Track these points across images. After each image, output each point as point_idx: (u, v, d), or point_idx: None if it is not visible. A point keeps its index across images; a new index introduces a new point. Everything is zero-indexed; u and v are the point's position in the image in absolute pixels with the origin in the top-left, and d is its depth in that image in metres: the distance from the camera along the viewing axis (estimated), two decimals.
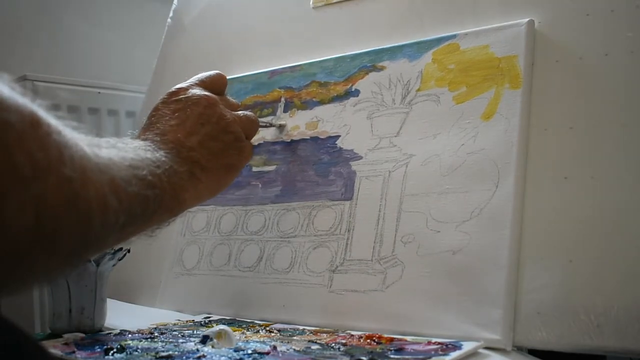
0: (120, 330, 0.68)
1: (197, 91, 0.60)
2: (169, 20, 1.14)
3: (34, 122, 0.33)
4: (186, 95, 0.59)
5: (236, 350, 0.56)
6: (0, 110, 0.30)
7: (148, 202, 0.45)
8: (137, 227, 0.47)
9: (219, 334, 0.59)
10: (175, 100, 0.58)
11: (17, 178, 0.29)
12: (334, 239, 0.73)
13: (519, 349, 0.58)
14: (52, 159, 0.32)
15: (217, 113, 0.60)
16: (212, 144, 0.58)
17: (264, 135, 0.86)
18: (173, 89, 0.61)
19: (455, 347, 0.55)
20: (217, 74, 0.66)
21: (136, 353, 0.56)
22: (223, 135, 0.59)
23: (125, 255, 0.71)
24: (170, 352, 0.56)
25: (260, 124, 0.72)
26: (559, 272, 0.59)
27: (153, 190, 0.46)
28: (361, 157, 0.75)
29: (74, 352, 0.58)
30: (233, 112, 0.63)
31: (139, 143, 0.51)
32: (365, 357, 0.52)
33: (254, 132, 0.67)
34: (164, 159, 0.50)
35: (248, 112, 0.67)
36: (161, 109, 0.58)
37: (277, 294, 0.74)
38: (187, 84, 0.62)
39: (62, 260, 0.35)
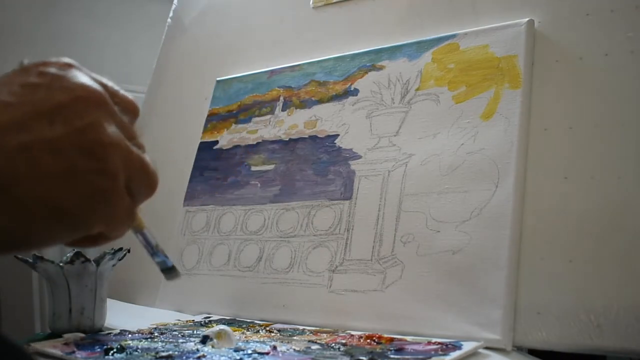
0: (120, 330, 0.68)
1: (84, 78, 0.35)
2: (169, 20, 1.14)
3: None
4: (60, 73, 0.34)
5: (236, 350, 0.56)
6: None
7: None
8: None
9: (219, 334, 0.59)
10: (41, 73, 0.34)
11: None
12: (333, 238, 0.73)
13: (519, 349, 0.58)
14: None
15: (92, 117, 0.33)
16: (48, 159, 0.31)
17: (262, 134, 0.86)
18: (52, 58, 0.36)
19: (455, 347, 0.55)
20: (131, 98, 0.39)
21: (136, 353, 0.56)
22: (81, 154, 0.32)
23: (125, 255, 0.71)
24: (170, 352, 0.56)
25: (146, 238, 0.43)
26: (559, 272, 0.59)
27: None
28: (360, 157, 0.75)
29: (74, 352, 0.58)
30: (124, 139, 0.35)
31: None
32: (365, 357, 0.52)
33: (144, 191, 0.37)
34: None
35: (151, 164, 0.37)
36: (10, 76, 0.34)
37: (277, 294, 0.74)
38: (78, 65, 0.36)
39: None
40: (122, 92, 0.38)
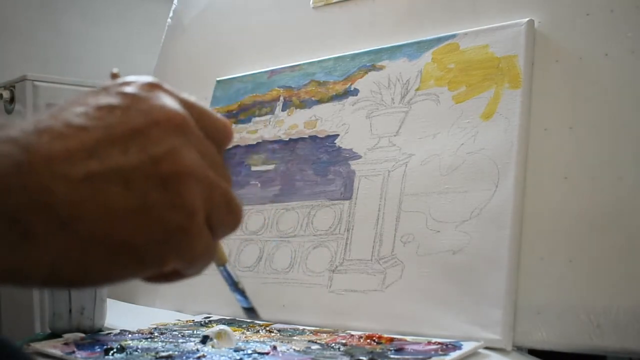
0: (120, 330, 0.68)
1: (166, 99, 0.30)
2: (169, 20, 1.14)
3: None
4: (141, 94, 0.30)
5: (236, 350, 0.56)
6: None
7: None
8: None
9: (219, 334, 0.59)
10: (120, 93, 0.30)
11: None
12: (333, 238, 0.73)
13: (519, 349, 0.58)
14: None
15: (170, 144, 0.29)
16: (117, 191, 0.27)
17: (262, 134, 0.86)
18: (131, 77, 0.32)
19: (455, 347, 0.55)
20: (223, 120, 0.34)
21: (136, 353, 0.56)
22: (155, 187, 0.28)
23: None
24: (170, 352, 0.56)
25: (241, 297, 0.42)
26: (559, 272, 0.59)
27: None
28: (360, 157, 0.75)
29: (74, 352, 0.58)
30: (207, 169, 0.31)
31: None
32: (365, 357, 0.52)
33: (228, 227, 0.33)
34: None
35: (237, 197, 0.33)
36: (87, 95, 0.30)
37: (277, 294, 0.74)
38: (162, 84, 0.32)
39: None
40: (213, 114, 0.33)
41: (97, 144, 0.27)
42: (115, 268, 0.28)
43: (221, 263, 0.38)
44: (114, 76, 0.32)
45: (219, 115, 0.33)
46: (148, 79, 0.31)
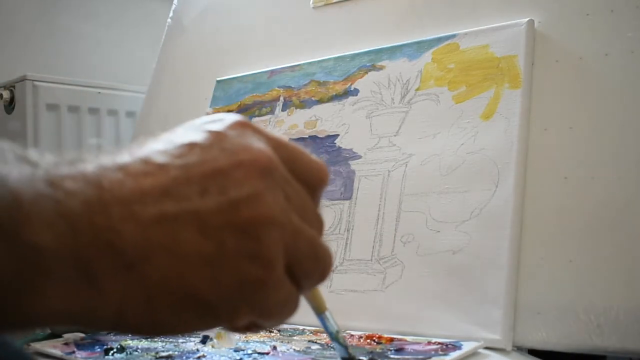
0: None
1: (253, 139, 0.28)
2: (169, 20, 1.14)
3: None
4: (228, 132, 0.27)
5: (236, 350, 0.56)
6: None
7: None
8: None
9: (219, 334, 0.59)
10: (206, 131, 0.27)
11: None
12: (333, 238, 0.73)
13: (519, 349, 0.58)
14: None
15: (252, 187, 0.26)
16: (191, 235, 0.25)
17: None
18: (220, 115, 0.29)
19: (455, 347, 0.55)
20: (319, 162, 0.31)
21: (136, 353, 0.56)
22: (232, 233, 0.26)
23: None
24: (170, 352, 0.56)
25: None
26: (559, 272, 0.59)
27: None
28: (360, 157, 0.75)
29: (74, 352, 0.58)
30: (293, 214, 0.28)
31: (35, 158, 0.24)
32: (365, 357, 0.52)
33: (313, 278, 0.30)
34: (26, 208, 0.22)
35: (324, 245, 0.30)
36: (175, 132, 0.28)
37: None
38: (251, 122, 0.29)
39: None
40: (307, 155, 0.30)
41: (174, 183, 0.25)
42: (183, 318, 0.25)
43: (319, 312, 0.36)
44: (209, 114, 0.30)
45: (314, 157, 0.31)
46: (237, 117, 0.29)
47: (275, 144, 0.28)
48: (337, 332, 0.38)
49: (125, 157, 0.25)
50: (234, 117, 0.28)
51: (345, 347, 0.39)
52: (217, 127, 0.27)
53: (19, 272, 0.22)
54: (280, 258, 0.27)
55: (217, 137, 0.27)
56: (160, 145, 0.26)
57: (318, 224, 0.30)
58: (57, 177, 0.23)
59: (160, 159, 0.25)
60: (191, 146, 0.26)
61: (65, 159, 0.24)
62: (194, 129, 0.27)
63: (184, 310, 0.25)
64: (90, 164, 0.24)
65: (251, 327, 0.29)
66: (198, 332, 0.25)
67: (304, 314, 0.73)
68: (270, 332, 0.66)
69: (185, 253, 0.24)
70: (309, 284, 0.30)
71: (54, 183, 0.23)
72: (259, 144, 0.27)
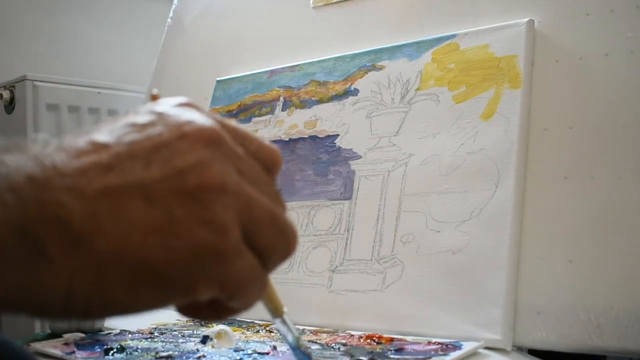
0: (120, 330, 0.68)
1: (199, 115, 0.28)
2: (169, 20, 1.14)
3: None
4: (170, 111, 0.28)
5: (236, 350, 0.56)
6: None
7: None
8: None
9: (219, 334, 0.59)
10: (149, 112, 0.28)
11: None
12: (333, 238, 0.73)
13: (519, 349, 0.58)
14: None
15: (197, 155, 0.26)
16: (137, 204, 0.25)
17: (262, 134, 0.86)
18: (166, 99, 0.30)
19: (455, 347, 0.55)
20: (271, 145, 0.31)
21: (136, 353, 0.56)
22: (180, 200, 0.25)
23: None
24: (170, 352, 0.56)
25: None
26: (559, 272, 0.59)
27: None
28: (360, 157, 0.75)
29: (74, 352, 0.58)
30: (246, 184, 0.28)
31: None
32: (365, 357, 0.52)
33: (278, 250, 0.29)
34: None
35: (287, 218, 0.29)
36: (122, 117, 0.28)
37: None
38: (196, 103, 0.29)
39: None
40: (262, 140, 0.30)
41: (117, 158, 0.25)
42: (137, 293, 0.25)
43: (276, 315, 0.34)
44: (154, 98, 0.30)
45: (266, 140, 0.31)
46: (181, 98, 0.29)
47: (222, 123, 0.28)
48: (297, 338, 0.35)
49: (69, 139, 0.26)
50: (179, 99, 0.29)
51: (308, 355, 0.36)
52: (162, 108, 0.28)
53: None
54: (235, 225, 0.26)
55: (161, 116, 0.27)
56: (104, 128, 0.27)
57: (277, 199, 0.29)
58: (3, 156, 0.23)
59: (104, 138, 0.26)
60: (135, 125, 0.26)
61: (10, 144, 0.25)
62: (138, 112, 0.28)
63: (136, 283, 0.24)
64: (37, 147, 0.25)
65: (217, 309, 0.28)
66: (153, 309, 0.25)
67: (304, 314, 0.73)
68: (270, 332, 0.66)
69: (133, 222, 0.24)
70: (273, 260, 0.28)
71: (1, 161, 0.23)
72: (203, 119, 0.27)
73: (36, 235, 0.23)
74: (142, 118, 0.27)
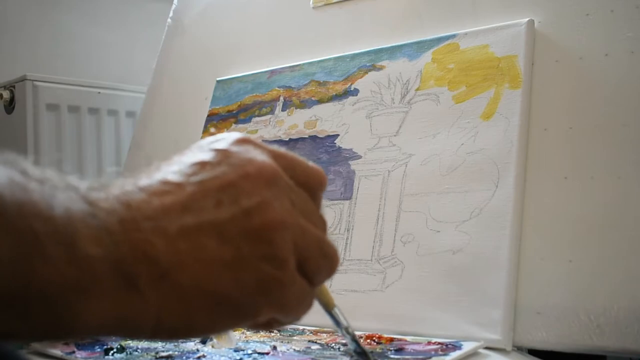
0: None
1: (255, 152, 0.32)
2: (169, 20, 1.14)
3: None
4: (232, 149, 0.31)
5: (236, 350, 0.56)
6: None
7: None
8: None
9: (219, 334, 0.59)
10: (212, 150, 0.31)
11: None
12: (333, 238, 0.73)
13: (519, 349, 0.58)
14: None
15: (261, 195, 0.30)
16: (212, 243, 0.28)
17: (262, 134, 0.86)
18: (223, 135, 0.33)
19: (455, 347, 0.55)
20: (316, 167, 0.37)
21: (136, 353, 0.56)
22: (247, 239, 0.29)
23: None
24: (170, 352, 0.56)
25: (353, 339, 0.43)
26: (559, 272, 0.59)
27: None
28: (360, 157, 0.75)
29: (74, 352, 0.58)
30: (299, 217, 0.32)
31: (75, 184, 0.27)
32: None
33: (323, 273, 0.33)
34: (78, 226, 0.25)
35: (330, 242, 0.34)
36: (184, 155, 0.31)
37: None
38: (251, 138, 0.33)
39: None
40: (304, 162, 0.35)
41: (191, 198, 0.28)
42: (214, 319, 0.29)
43: (328, 308, 0.39)
44: (212, 134, 0.34)
45: (311, 163, 0.35)
46: (238, 135, 0.32)
47: (275, 155, 0.32)
48: (347, 327, 0.41)
49: (144, 179, 0.29)
50: (235, 135, 0.32)
51: (356, 341, 0.41)
52: (222, 145, 0.31)
53: (77, 280, 0.25)
54: (292, 257, 0.30)
55: (223, 154, 0.31)
56: (174, 167, 0.30)
57: (322, 223, 0.33)
58: (93, 198, 0.27)
59: (176, 178, 0.29)
60: (202, 164, 0.30)
61: (95, 183, 0.28)
62: (201, 149, 0.31)
63: (213, 311, 0.28)
64: (115, 187, 0.28)
65: (272, 323, 0.33)
66: (227, 330, 0.33)
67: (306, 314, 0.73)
68: (271, 332, 0.66)
69: (209, 259, 0.28)
70: (319, 280, 0.33)
71: (93, 203, 0.26)
72: (262, 157, 0.31)
73: (129, 271, 0.26)
74: (206, 156, 0.30)
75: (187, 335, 0.29)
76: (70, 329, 0.26)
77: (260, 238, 0.29)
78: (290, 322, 0.33)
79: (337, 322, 0.40)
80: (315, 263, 0.32)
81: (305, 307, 0.33)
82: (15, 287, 0.24)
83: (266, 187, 0.30)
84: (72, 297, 0.25)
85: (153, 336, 0.28)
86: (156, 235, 0.27)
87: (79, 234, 0.25)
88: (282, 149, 0.33)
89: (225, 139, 0.32)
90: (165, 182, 0.29)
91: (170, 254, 0.27)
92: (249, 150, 0.31)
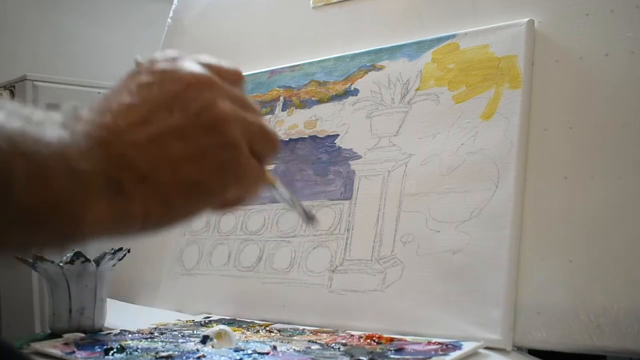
0: (120, 330, 0.68)
1: (190, 65, 0.38)
2: (169, 20, 1.14)
3: None
4: (168, 66, 0.37)
5: (236, 350, 0.56)
6: None
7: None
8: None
9: (219, 334, 0.59)
10: (151, 72, 0.37)
11: None
12: (333, 238, 0.73)
13: (519, 349, 0.58)
14: None
15: (205, 98, 0.36)
16: (176, 144, 0.35)
17: None
18: (157, 54, 0.40)
19: (455, 347, 0.55)
20: (233, 65, 0.42)
21: (136, 353, 0.56)
22: (204, 134, 0.36)
23: (125, 255, 0.71)
24: (170, 352, 0.56)
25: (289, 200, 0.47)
26: (559, 272, 0.59)
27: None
28: (360, 157, 0.75)
29: (74, 352, 0.58)
30: (239, 110, 0.39)
31: (55, 118, 0.34)
32: (365, 357, 0.52)
33: (268, 151, 0.40)
34: (69, 149, 0.32)
35: (269, 126, 0.41)
36: (122, 82, 0.38)
37: (277, 294, 0.74)
38: (180, 54, 0.40)
39: None
40: (225, 65, 0.40)
41: (148, 113, 0.35)
42: (193, 204, 0.36)
43: (272, 185, 0.45)
44: (138, 63, 0.39)
45: (228, 63, 0.41)
46: (170, 53, 0.38)
47: (204, 64, 0.39)
48: (291, 198, 0.46)
49: (104, 107, 0.35)
50: (168, 54, 0.38)
51: (302, 208, 0.46)
52: (161, 65, 0.37)
53: (76, 192, 0.31)
54: (243, 141, 0.37)
55: (164, 73, 0.37)
56: (125, 91, 0.36)
57: (256, 111, 0.40)
58: (72, 127, 0.32)
59: (131, 99, 0.35)
60: (148, 84, 0.36)
61: (68, 116, 0.34)
62: (143, 74, 0.37)
63: (191, 197, 0.35)
64: (84, 117, 0.34)
65: (236, 202, 0.40)
66: (204, 212, 0.38)
67: (304, 314, 0.73)
68: (270, 332, 0.66)
69: (177, 157, 0.34)
70: (266, 157, 0.40)
71: (74, 131, 0.32)
72: (195, 67, 0.38)
73: (116, 179, 0.32)
74: (149, 78, 0.36)
75: (171, 223, 0.36)
76: (78, 233, 0.32)
77: (214, 131, 0.36)
78: (249, 198, 0.40)
79: (281, 196, 0.44)
80: (260, 143, 0.39)
81: (259, 181, 0.40)
82: (34, 203, 0.30)
83: (206, 91, 0.37)
84: (77, 205, 0.31)
85: (143, 229, 0.34)
86: (130, 148, 0.33)
87: (71, 154, 0.31)
88: (207, 58, 0.40)
89: (160, 60, 0.38)
90: (122, 104, 0.35)
91: (145, 160, 0.34)
92: (184, 65, 0.38)
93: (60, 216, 0.31)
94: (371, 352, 0.54)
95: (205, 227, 0.86)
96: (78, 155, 0.32)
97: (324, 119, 0.81)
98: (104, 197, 0.32)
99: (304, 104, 0.84)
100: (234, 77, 0.41)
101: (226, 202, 0.39)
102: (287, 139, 0.83)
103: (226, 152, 0.36)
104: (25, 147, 0.30)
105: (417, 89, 0.74)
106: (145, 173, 0.34)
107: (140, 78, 0.37)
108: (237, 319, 0.74)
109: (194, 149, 0.35)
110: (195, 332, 0.66)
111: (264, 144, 0.40)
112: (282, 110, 0.86)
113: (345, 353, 0.54)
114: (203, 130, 0.36)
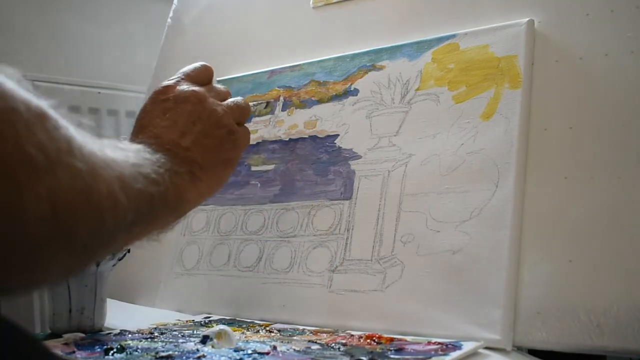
0: (120, 330, 0.68)
1: (186, 87, 0.59)
2: (169, 20, 1.14)
3: (41, 114, 0.32)
4: (174, 94, 0.59)
5: (236, 350, 0.56)
6: (6, 100, 0.30)
7: (153, 201, 0.45)
8: (143, 227, 0.48)
9: (219, 334, 0.59)
10: (164, 100, 0.58)
11: (31, 169, 0.30)
12: (333, 238, 0.73)
13: (519, 349, 0.58)
14: (62, 151, 0.32)
15: (208, 109, 0.59)
16: (206, 141, 0.57)
17: (262, 134, 0.86)
18: (160, 86, 0.60)
19: (455, 347, 0.55)
20: (202, 65, 0.65)
21: (136, 353, 0.56)
22: (216, 130, 0.58)
23: (125, 255, 0.71)
24: (170, 352, 0.56)
25: (252, 106, 0.76)
26: (559, 272, 0.59)
27: (157, 188, 0.46)
28: (360, 157, 0.75)
29: (74, 352, 0.58)
30: (223, 103, 0.62)
31: (136, 146, 0.50)
32: (365, 357, 0.52)
33: (245, 117, 0.65)
34: (163, 160, 0.50)
35: (238, 99, 0.64)
36: (150, 110, 0.58)
37: (277, 294, 0.74)
38: (174, 81, 0.61)
39: (76, 258, 0.36)
40: (195, 69, 0.64)
41: (183, 127, 0.57)
42: (227, 170, 0.61)
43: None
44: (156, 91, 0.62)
45: (195, 64, 0.65)
46: (168, 83, 0.62)
47: (191, 81, 0.62)
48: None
49: (147, 133, 0.56)
50: (169, 84, 0.62)
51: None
52: (171, 95, 0.60)
53: (178, 184, 0.52)
54: (233, 122, 0.61)
55: (177, 98, 0.59)
56: (157, 119, 0.58)
57: (225, 92, 0.65)
58: (143, 155, 0.50)
59: (166, 122, 0.57)
60: (171, 109, 0.58)
61: (131, 147, 0.51)
62: (162, 103, 0.59)
63: (225, 167, 0.61)
64: (134, 146, 0.52)
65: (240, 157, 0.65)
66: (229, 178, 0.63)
67: (304, 314, 0.73)
68: (270, 332, 0.66)
69: (211, 148, 0.58)
70: (244, 121, 0.66)
71: (147, 159, 0.49)
72: (190, 88, 0.60)
73: (191, 172, 0.54)
74: (170, 105, 0.59)
75: (219, 187, 0.60)
76: (180, 217, 0.55)
77: (220, 126, 0.60)
78: (240, 153, 0.63)
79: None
80: (239, 115, 0.63)
81: (249, 135, 0.66)
82: (162, 204, 0.48)
83: (205, 102, 0.60)
84: (181, 203, 0.52)
85: (209, 197, 0.59)
86: (186, 151, 0.55)
87: (167, 166, 0.50)
88: (186, 70, 0.64)
89: (165, 89, 0.60)
90: (166, 127, 0.56)
91: (198, 155, 0.56)
92: (183, 88, 0.60)
93: (173, 210, 0.52)
94: (371, 352, 0.54)
95: (205, 227, 0.86)
96: (176, 165, 0.52)
97: (324, 119, 0.81)
98: (191, 184, 0.53)
99: (304, 104, 0.84)
100: (205, 73, 0.65)
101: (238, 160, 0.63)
102: (287, 139, 0.83)
103: (231, 135, 0.61)
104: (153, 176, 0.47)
105: (417, 89, 0.74)
106: (201, 162, 0.56)
107: (164, 105, 0.58)
108: (237, 319, 0.74)
109: (216, 140, 0.59)
110: (195, 332, 0.66)
111: (241, 114, 0.64)
112: (282, 110, 0.86)
113: (345, 353, 0.54)
114: (215, 127, 0.59)
